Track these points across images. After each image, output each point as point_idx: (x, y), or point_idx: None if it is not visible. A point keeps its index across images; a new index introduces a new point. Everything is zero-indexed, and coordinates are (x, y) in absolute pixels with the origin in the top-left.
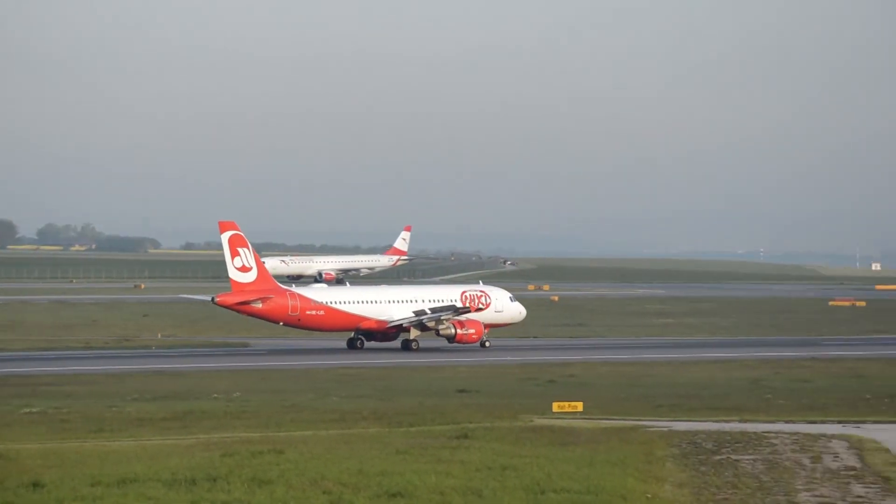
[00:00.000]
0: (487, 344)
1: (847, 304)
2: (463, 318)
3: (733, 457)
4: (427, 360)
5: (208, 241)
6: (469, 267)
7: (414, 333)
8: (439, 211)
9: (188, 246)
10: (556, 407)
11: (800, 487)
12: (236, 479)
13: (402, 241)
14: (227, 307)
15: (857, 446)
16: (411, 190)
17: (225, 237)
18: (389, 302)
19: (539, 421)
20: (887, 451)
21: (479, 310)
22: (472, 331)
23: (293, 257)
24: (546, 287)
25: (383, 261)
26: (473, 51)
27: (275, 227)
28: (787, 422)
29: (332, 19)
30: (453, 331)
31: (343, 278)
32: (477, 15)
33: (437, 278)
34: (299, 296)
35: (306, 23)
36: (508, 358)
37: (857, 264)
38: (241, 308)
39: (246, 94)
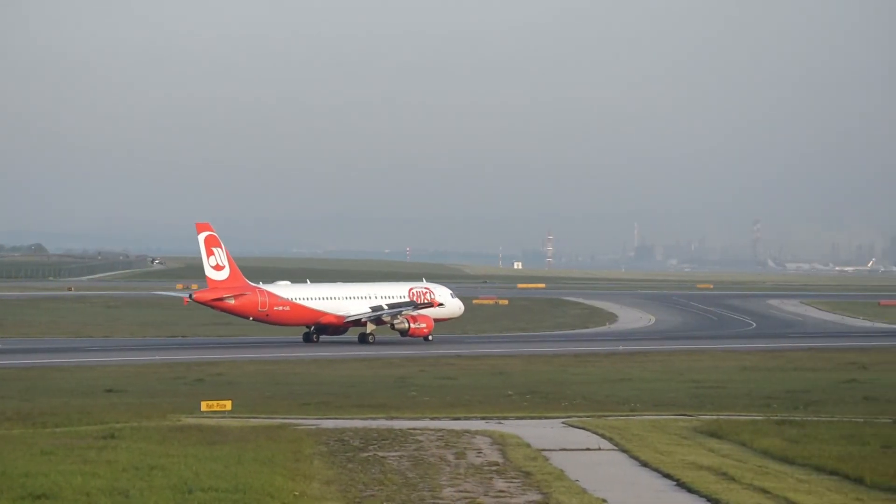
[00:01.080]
0: (430, 338)
1: (490, 302)
2: (415, 313)
3: (380, 454)
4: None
5: None
6: (116, 266)
7: (370, 327)
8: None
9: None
10: (204, 406)
11: (444, 483)
12: None
13: None
14: (203, 303)
15: (500, 442)
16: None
17: (201, 238)
18: (347, 298)
19: (187, 420)
20: (528, 445)
21: (427, 306)
22: (423, 325)
23: None
24: (195, 286)
25: None
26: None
27: None
28: (432, 419)
29: None
30: (407, 325)
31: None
32: None
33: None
34: (268, 293)
35: None
36: (157, 357)
37: (500, 263)
38: (215, 304)
39: None
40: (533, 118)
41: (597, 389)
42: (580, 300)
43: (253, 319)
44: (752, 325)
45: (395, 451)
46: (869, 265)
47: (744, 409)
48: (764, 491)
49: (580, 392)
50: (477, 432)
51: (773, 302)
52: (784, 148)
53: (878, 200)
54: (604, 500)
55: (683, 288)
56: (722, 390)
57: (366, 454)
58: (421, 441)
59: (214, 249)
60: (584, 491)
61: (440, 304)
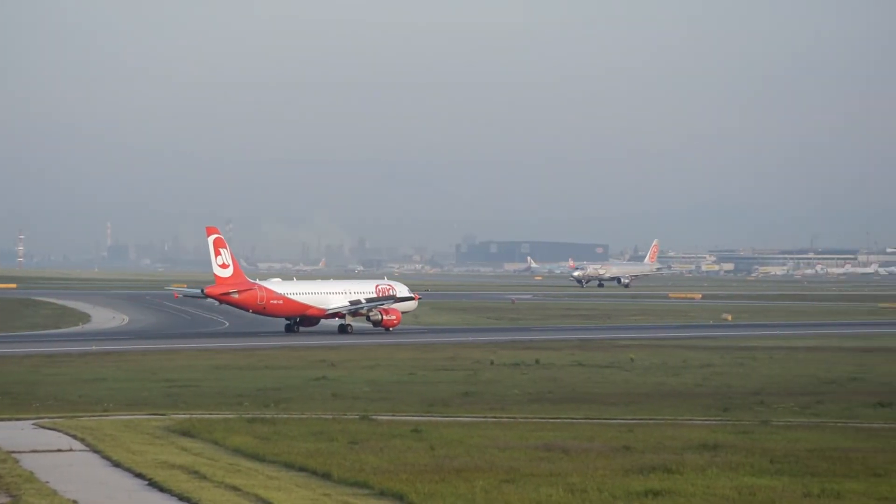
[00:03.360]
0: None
1: None
2: (389, 306)
3: None
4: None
5: None
6: None
7: (349, 319)
8: None
9: None
10: None
11: None
12: None
13: None
14: (212, 297)
15: None
16: None
17: (210, 240)
18: (328, 293)
19: None
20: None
21: (408, 299)
22: (393, 317)
23: None
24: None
25: None
26: None
27: None
28: None
29: None
30: (380, 317)
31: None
32: None
33: None
34: (266, 289)
35: None
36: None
37: None
38: (222, 298)
39: None
40: None
41: (70, 390)
42: (52, 300)
43: (252, 311)
44: (225, 324)
45: None
46: (320, 265)
47: (216, 408)
48: (235, 488)
49: (52, 393)
50: None
51: None
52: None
53: (344, 202)
54: (74, 501)
55: (157, 287)
56: (195, 389)
57: None
58: None
59: (221, 250)
60: (55, 492)
61: (419, 297)
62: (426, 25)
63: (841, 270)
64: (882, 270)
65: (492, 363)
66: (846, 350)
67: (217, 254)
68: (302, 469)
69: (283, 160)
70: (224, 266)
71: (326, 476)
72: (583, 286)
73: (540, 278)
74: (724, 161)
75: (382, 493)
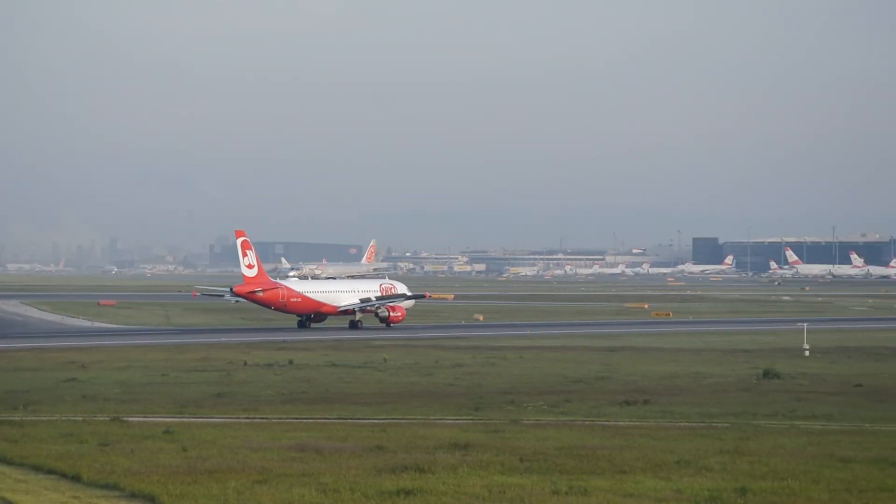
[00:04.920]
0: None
1: None
2: (399, 303)
3: None
4: None
5: None
6: None
7: (359, 315)
8: None
9: None
10: None
11: None
12: None
13: None
14: (241, 295)
15: None
16: None
17: (238, 242)
18: (339, 292)
19: None
20: None
21: (420, 297)
22: (398, 313)
23: None
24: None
25: None
26: None
27: None
28: None
29: None
30: (388, 314)
31: None
32: None
33: None
34: (287, 287)
35: None
36: None
37: None
38: (249, 296)
39: None
40: None
41: None
42: None
43: (274, 308)
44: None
45: None
46: (60, 265)
47: None
48: None
49: None
50: None
51: None
52: None
53: (97, 201)
54: None
55: None
56: None
57: None
58: None
59: (248, 252)
60: None
61: (429, 296)
62: None
63: (589, 271)
64: (629, 271)
65: (245, 364)
66: (593, 349)
67: (244, 255)
68: (51, 471)
69: (30, 157)
70: (250, 266)
71: (76, 478)
72: None
73: None
74: (477, 162)
75: (133, 495)
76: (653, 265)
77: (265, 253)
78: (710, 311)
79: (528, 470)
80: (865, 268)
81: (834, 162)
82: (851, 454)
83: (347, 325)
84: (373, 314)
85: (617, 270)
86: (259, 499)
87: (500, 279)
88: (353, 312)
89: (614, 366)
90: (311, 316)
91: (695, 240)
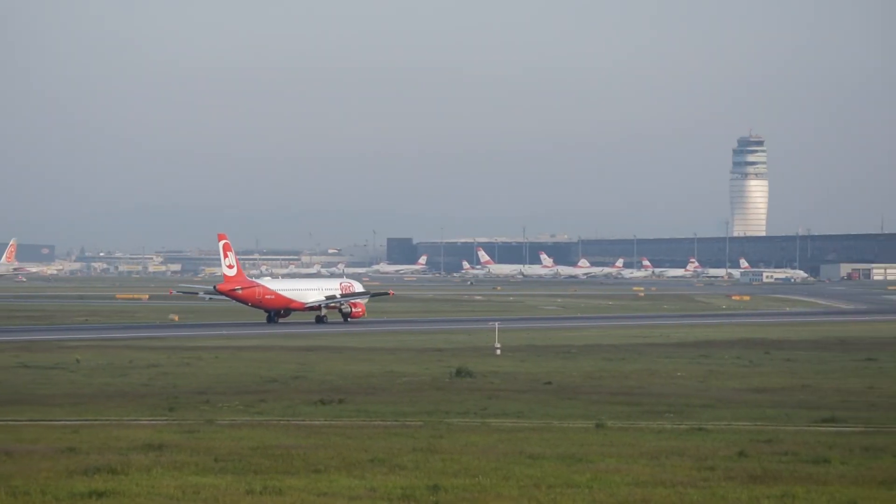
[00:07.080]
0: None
1: None
2: (361, 300)
3: None
4: None
5: None
6: None
7: (325, 311)
8: None
9: None
10: None
11: None
12: None
13: None
14: (223, 293)
15: None
16: None
17: (220, 244)
18: (305, 290)
19: None
20: None
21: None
22: (359, 309)
23: None
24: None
25: None
26: None
27: None
28: None
29: None
30: (350, 309)
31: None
32: None
33: None
34: (262, 286)
35: None
36: None
37: None
38: (230, 293)
39: None
40: None
41: None
42: None
43: (251, 305)
44: None
45: None
46: None
47: None
48: None
49: None
50: None
51: None
52: None
53: None
54: None
55: None
56: None
57: None
58: None
59: (228, 253)
60: None
61: (392, 294)
62: None
63: (285, 271)
64: (324, 271)
65: None
66: (290, 349)
67: (225, 256)
68: None
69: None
70: (230, 266)
71: None
72: None
73: None
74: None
75: None
76: (348, 265)
77: None
78: (405, 311)
79: (223, 470)
80: (555, 268)
81: (524, 167)
82: (540, 451)
83: (314, 321)
84: (336, 310)
85: (313, 270)
86: None
87: (195, 279)
88: (318, 308)
89: (310, 365)
90: (280, 312)
91: (389, 240)
